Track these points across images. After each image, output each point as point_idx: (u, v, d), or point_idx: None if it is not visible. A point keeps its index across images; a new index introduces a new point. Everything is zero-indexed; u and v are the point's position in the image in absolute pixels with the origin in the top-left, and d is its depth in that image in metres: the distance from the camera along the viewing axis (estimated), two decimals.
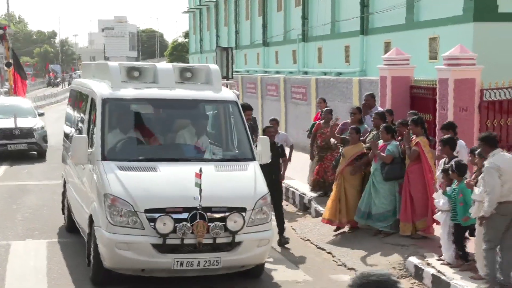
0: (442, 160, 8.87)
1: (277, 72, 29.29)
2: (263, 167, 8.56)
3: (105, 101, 8.54)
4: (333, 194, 10.52)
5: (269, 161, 8.86)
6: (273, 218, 8.80)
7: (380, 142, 10.29)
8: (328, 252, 9.86)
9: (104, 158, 8.09)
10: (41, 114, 21.75)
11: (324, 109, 13.53)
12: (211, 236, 7.40)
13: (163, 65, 9.37)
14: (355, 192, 10.40)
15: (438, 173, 8.86)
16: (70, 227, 10.37)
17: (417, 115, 10.72)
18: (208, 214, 7.40)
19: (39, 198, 14.01)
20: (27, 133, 19.40)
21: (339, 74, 22.34)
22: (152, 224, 7.31)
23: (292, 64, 28.68)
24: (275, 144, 10.37)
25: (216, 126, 9.29)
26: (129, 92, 8.69)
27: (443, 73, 12.05)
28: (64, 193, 11.01)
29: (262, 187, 8.04)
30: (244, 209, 7.62)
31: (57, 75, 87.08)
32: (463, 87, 11.76)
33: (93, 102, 8.90)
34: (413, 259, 8.78)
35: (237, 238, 7.51)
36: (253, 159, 8.57)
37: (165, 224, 7.28)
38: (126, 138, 8.55)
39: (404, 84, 13.64)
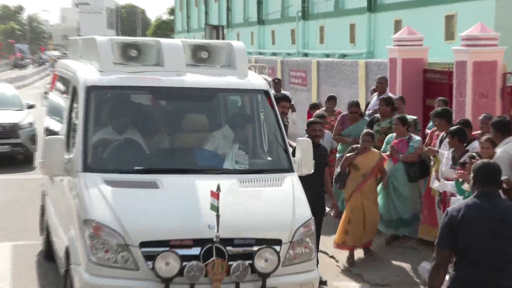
0: (446, 154, 8.83)
1: (274, 54, 29.27)
2: (302, 180, 7.44)
3: (89, 90, 7.36)
4: (345, 215, 9.81)
5: (311, 171, 7.69)
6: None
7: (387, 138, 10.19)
8: (331, 257, 9.86)
9: (86, 168, 6.94)
10: (31, 106, 18.95)
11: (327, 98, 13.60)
12: (232, 280, 6.33)
13: (170, 41, 8.13)
14: (375, 208, 9.89)
15: (443, 167, 8.85)
16: (49, 254, 9.13)
17: (447, 104, 10.66)
18: (229, 249, 6.37)
19: (4, 194, 13.86)
20: (11, 131, 17.02)
21: (344, 56, 22.32)
22: (151, 263, 6.22)
23: (291, 45, 28.63)
24: (320, 148, 9.05)
25: (241, 124, 8.07)
26: (123, 77, 7.54)
27: (460, 55, 12.03)
28: (43, 208, 9.88)
29: (304, 209, 6.90)
30: (279, 242, 6.55)
31: (24, 55, 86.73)
32: (484, 71, 11.76)
33: (75, 91, 7.76)
34: (426, 264, 8.74)
35: (269, 282, 6.46)
36: (290, 170, 7.40)
37: (168, 264, 6.20)
38: (117, 141, 7.46)
39: (417, 68, 13.69)
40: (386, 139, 10.51)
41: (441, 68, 13.19)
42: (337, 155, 11.80)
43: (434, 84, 13.35)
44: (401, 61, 13.76)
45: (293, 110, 15.94)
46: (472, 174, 5.36)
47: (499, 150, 7.87)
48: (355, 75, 17.29)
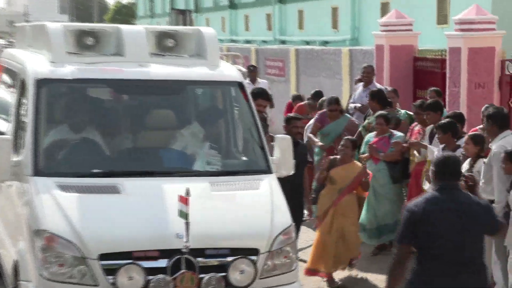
0: (436, 152, 8.81)
1: (248, 42, 29.25)
2: (281, 182, 7.37)
3: (40, 83, 7.22)
4: (318, 237, 9.25)
5: (291, 172, 7.63)
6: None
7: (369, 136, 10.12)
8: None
9: (37, 172, 6.78)
10: None
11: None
12: None
13: (131, 28, 8.04)
14: (354, 229, 9.31)
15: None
16: None
17: (440, 95, 10.64)
18: (200, 260, 6.28)
19: None
20: None
21: (325, 43, 22.36)
22: (111, 277, 6.11)
23: (266, 31, 28.68)
24: (300, 146, 8.98)
25: (212, 121, 8.02)
26: (79, 69, 7.39)
27: (454, 40, 12.12)
28: None
29: (284, 215, 6.82)
30: (256, 252, 6.45)
31: None
32: (480, 58, 11.87)
33: (23, 85, 7.59)
34: None
35: None
36: (268, 171, 7.31)
37: (131, 278, 6.12)
38: (72, 141, 7.32)
39: (406, 55, 13.76)
40: (366, 138, 10.27)
41: (433, 55, 13.29)
42: (315, 158, 11.43)
43: (426, 73, 13.45)
44: (389, 48, 13.83)
45: (272, 106, 15.86)
46: (432, 168, 5.70)
47: (494, 146, 7.88)
48: (338, 64, 17.29)
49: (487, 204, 5.82)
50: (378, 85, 12.52)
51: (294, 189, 8.62)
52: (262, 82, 15.38)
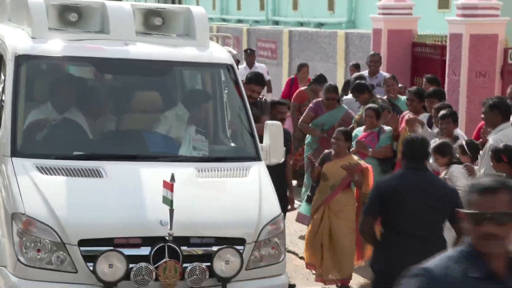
0: (430, 131, 8.73)
1: (239, 21, 29.01)
2: (270, 170, 7.41)
3: (19, 60, 7.19)
4: (310, 231, 8.86)
5: (282, 160, 7.64)
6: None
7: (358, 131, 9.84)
8: (301, 258, 9.71)
9: (15, 152, 6.76)
10: None
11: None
12: (187, 286, 6.24)
13: (117, 4, 8.00)
14: (347, 231, 8.67)
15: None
16: None
17: (438, 83, 10.39)
18: (184, 248, 6.28)
19: None
20: None
21: (320, 25, 22.19)
22: (91, 264, 6.10)
23: (259, 11, 28.44)
24: (284, 132, 8.92)
25: (199, 104, 7.98)
26: (60, 46, 7.38)
27: (455, 26, 12.04)
28: None
29: (272, 204, 6.87)
30: (242, 241, 6.47)
31: None
32: (482, 46, 11.81)
33: (2, 61, 7.60)
34: None
35: None
36: (257, 158, 7.32)
37: (111, 266, 6.08)
38: (53, 121, 7.34)
39: (405, 40, 13.71)
40: (354, 133, 9.77)
41: (433, 41, 13.24)
42: (305, 150, 11.11)
43: (424, 60, 13.41)
44: (387, 32, 13.78)
45: (269, 90, 15.70)
46: (401, 149, 6.43)
47: (491, 138, 7.77)
48: (333, 47, 17.24)
49: (454, 189, 6.37)
50: (385, 74, 12.19)
51: (277, 177, 8.40)
52: (260, 67, 15.27)
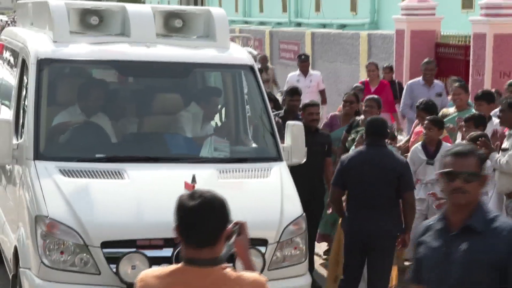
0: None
1: (262, 24, 29.08)
2: (296, 171, 7.42)
3: (42, 64, 7.23)
4: (334, 246, 8.51)
5: (303, 160, 7.59)
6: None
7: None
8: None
9: (38, 156, 6.81)
10: None
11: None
12: None
13: (138, 7, 8.09)
14: None
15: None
16: None
17: (467, 88, 10.03)
18: None
19: None
20: None
21: (343, 26, 22.20)
22: (114, 266, 6.14)
23: (281, 13, 28.49)
24: (318, 134, 8.89)
25: (221, 105, 8.05)
26: (82, 49, 7.44)
27: (479, 26, 12.01)
28: None
29: (294, 205, 6.86)
30: (264, 242, 6.48)
31: None
32: (506, 45, 11.77)
33: (24, 65, 7.63)
34: None
35: None
36: (278, 158, 7.32)
37: (134, 267, 6.11)
38: (75, 125, 7.41)
39: (428, 41, 13.69)
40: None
41: (457, 41, 13.19)
42: None
43: (448, 61, 13.40)
44: (410, 33, 13.77)
45: (324, 101, 14.34)
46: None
47: None
48: (355, 49, 17.23)
49: (403, 163, 7.35)
50: (438, 82, 11.74)
51: (312, 180, 8.55)
52: (314, 75, 14.40)
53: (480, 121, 8.54)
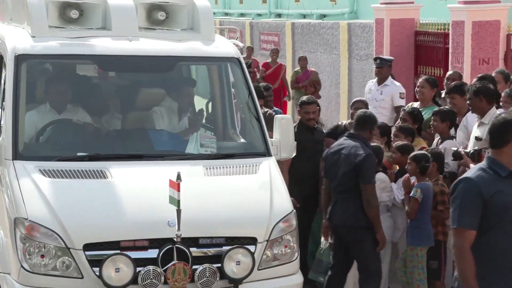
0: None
1: (242, 15, 29.07)
2: (293, 168, 7.46)
3: (20, 59, 7.05)
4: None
5: (293, 155, 7.49)
6: None
7: None
8: None
9: (17, 155, 6.65)
10: None
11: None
12: None
13: (119, 0, 7.80)
14: None
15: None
16: None
17: (435, 83, 9.43)
18: (193, 250, 6.16)
19: None
20: None
21: (323, 17, 22.25)
22: (97, 269, 5.98)
23: (261, 4, 28.48)
24: (317, 132, 8.77)
25: (206, 99, 7.96)
26: (62, 44, 7.27)
27: (458, 13, 12.10)
28: None
29: (284, 201, 6.72)
30: (253, 241, 6.34)
31: None
32: (485, 33, 11.88)
33: (2, 61, 7.47)
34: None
35: None
36: (267, 153, 7.18)
37: (118, 270, 5.95)
38: (55, 122, 7.23)
39: (407, 29, 13.78)
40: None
41: (436, 29, 13.24)
42: None
43: (427, 49, 13.48)
44: (389, 22, 13.84)
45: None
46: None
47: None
48: (336, 39, 17.29)
49: (367, 155, 7.26)
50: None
51: (309, 178, 8.50)
52: (389, 86, 11.02)
53: (448, 116, 8.34)
